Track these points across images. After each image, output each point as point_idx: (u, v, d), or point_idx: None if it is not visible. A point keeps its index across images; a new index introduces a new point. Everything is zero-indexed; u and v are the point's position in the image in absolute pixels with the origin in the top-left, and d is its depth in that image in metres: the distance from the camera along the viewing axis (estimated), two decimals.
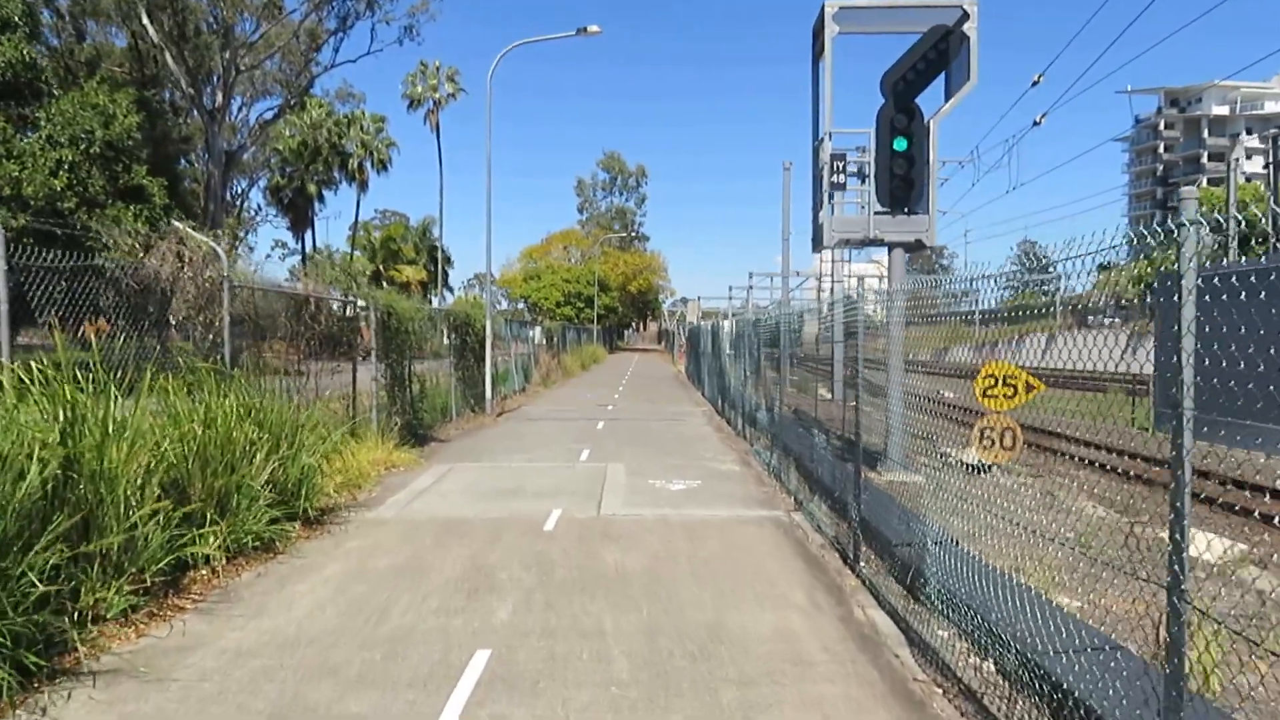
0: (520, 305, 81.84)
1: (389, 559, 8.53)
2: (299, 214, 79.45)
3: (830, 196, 15.54)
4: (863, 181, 15.84)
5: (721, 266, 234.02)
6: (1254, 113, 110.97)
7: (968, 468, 14.94)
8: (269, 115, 65.61)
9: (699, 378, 34.82)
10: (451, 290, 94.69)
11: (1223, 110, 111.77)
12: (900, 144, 15.02)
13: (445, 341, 21.13)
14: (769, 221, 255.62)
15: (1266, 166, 43.00)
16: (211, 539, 7.90)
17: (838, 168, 15.54)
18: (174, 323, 10.02)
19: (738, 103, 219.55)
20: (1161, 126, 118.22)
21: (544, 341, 42.12)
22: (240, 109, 65.70)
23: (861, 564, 8.18)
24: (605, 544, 9.12)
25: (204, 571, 7.70)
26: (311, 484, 9.90)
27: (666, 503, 11.42)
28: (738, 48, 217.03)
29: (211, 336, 10.23)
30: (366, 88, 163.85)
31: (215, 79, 57.41)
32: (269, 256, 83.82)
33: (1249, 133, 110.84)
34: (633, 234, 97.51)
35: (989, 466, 14.80)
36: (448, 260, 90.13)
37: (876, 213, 15.22)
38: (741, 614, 6.87)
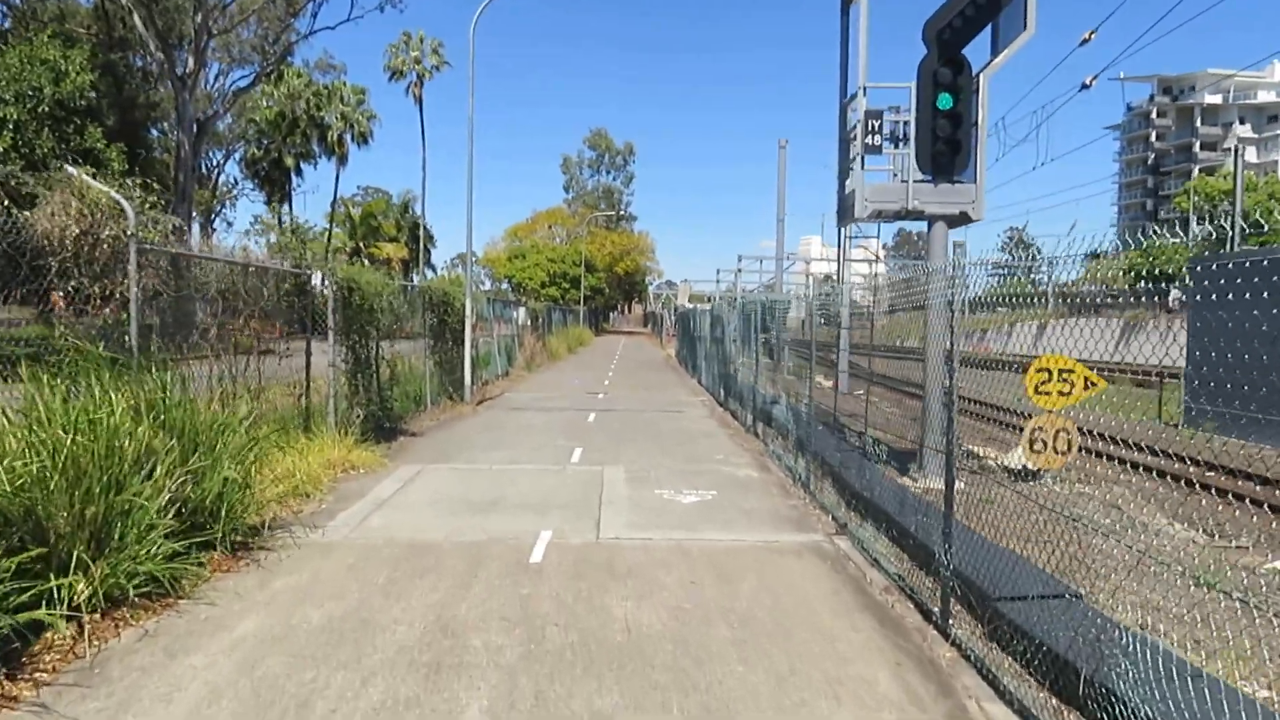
0: (505, 285, 79.48)
1: (326, 609, 6.45)
2: (276, 187, 76.83)
3: (863, 162, 13.48)
4: (896, 146, 13.80)
5: (709, 249, 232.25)
6: (1247, 102, 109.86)
7: (1011, 474, 12.83)
8: (244, 84, 63.14)
9: (693, 364, 32.79)
10: (434, 268, 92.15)
11: (1216, 99, 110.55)
12: (945, 101, 12.96)
13: (421, 321, 18.98)
14: (756, 206, 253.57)
15: None
16: (80, 588, 5.82)
17: (873, 128, 13.48)
18: (63, 294, 7.87)
19: (729, 86, 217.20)
20: (1154, 115, 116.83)
21: (528, 323, 39.94)
22: (216, 78, 63.16)
23: (954, 625, 6.16)
24: (611, 587, 7.07)
25: (66, 633, 5.61)
26: (235, 501, 7.80)
27: (679, 522, 9.38)
28: (732, 29, 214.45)
29: (109, 312, 8.07)
30: (347, 59, 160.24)
31: (187, 44, 54.85)
32: (248, 232, 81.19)
33: (1242, 122, 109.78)
34: (620, 213, 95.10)
35: (1037, 473, 12.68)
36: (430, 238, 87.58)
37: (916, 180, 13.20)
38: (814, 715, 4.84)
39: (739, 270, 66.54)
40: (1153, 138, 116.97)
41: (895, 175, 13.90)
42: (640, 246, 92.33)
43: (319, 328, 12.79)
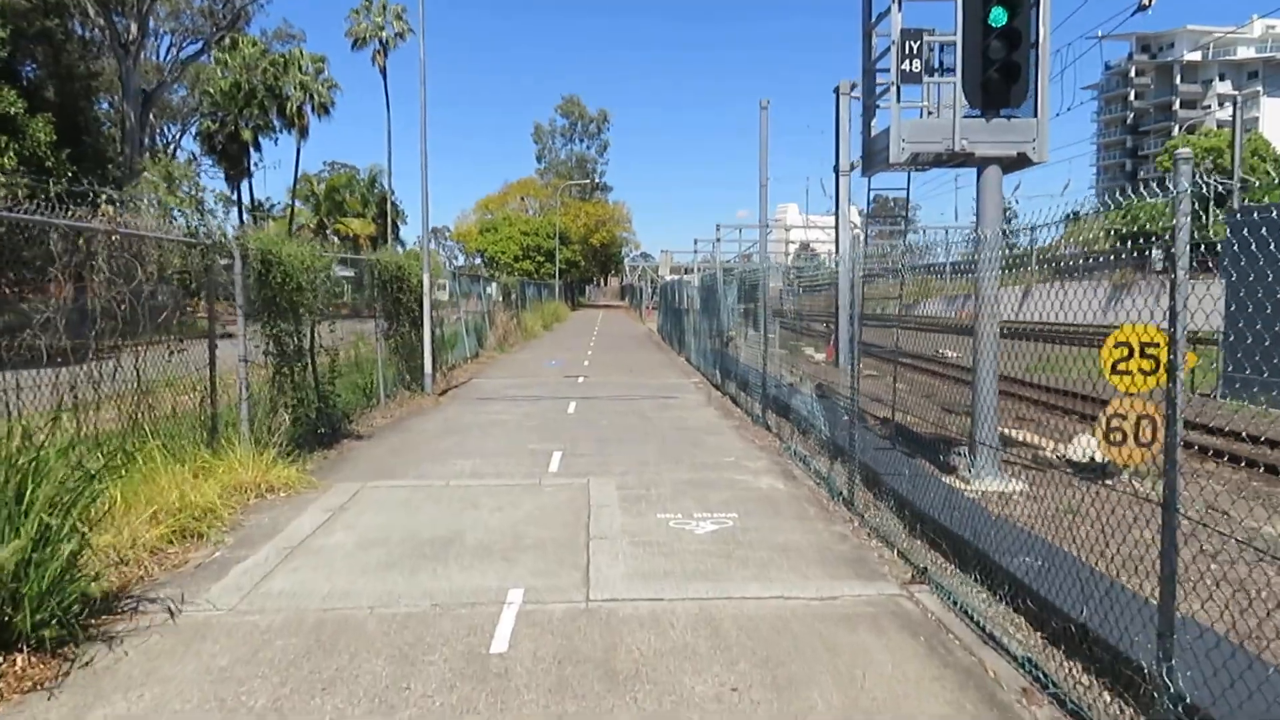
0: (477, 260, 76.50)
1: None
2: (234, 162, 73.24)
3: (899, 94, 10.97)
4: (930, 74, 11.24)
5: (685, 221, 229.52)
6: (1227, 58, 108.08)
7: (1075, 469, 10.35)
8: (194, 50, 60.15)
9: (679, 340, 30.32)
10: (404, 244, 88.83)
11: (1195, 57, 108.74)
12: (999, 16, 10.53)
13: (369, 300, 16.42)
14: (733, 177, 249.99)
15: None
16: None
17: (910, 50, 10.95)
18: None
19: (706, 52, 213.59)
20: (1133, 73, 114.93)
21: (500, 299, 37.28)
22: (169, 50, 60.05)
23: None
24: (614, 706, 4.61)
25: None
26: (55, 572, 5.29)
27: (697, 567, 6.92)
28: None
29: None
30: (307, 25, 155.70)
31: (130, 9, 51.67)
32: (213, 212, 77.13)
33: (1222, 78, 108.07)
34: (594, 183, 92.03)
35: (1106, 466, 10.25)
36: (399, 213, 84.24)
37: (963, 116, 10.75)
38: None
39: (718, 240, 64.17)
40: (1131, 97, 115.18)
41: (929, 114, 11.44)
42: (616, 217, 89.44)
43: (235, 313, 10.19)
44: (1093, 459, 11.89)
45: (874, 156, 11.97)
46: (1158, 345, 9.74)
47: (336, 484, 9.82)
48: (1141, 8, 13.98)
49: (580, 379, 21.61)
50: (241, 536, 7.81)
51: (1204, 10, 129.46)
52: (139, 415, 8.38)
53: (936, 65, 11.19)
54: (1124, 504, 8.35)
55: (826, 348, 26.50)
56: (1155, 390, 10.38)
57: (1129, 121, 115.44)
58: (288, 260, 10.78)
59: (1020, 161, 10.93)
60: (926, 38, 11.06)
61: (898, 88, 10.83)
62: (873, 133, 12.07)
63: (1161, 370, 9.63)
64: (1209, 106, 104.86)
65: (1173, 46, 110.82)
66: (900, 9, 10.80)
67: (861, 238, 13.80)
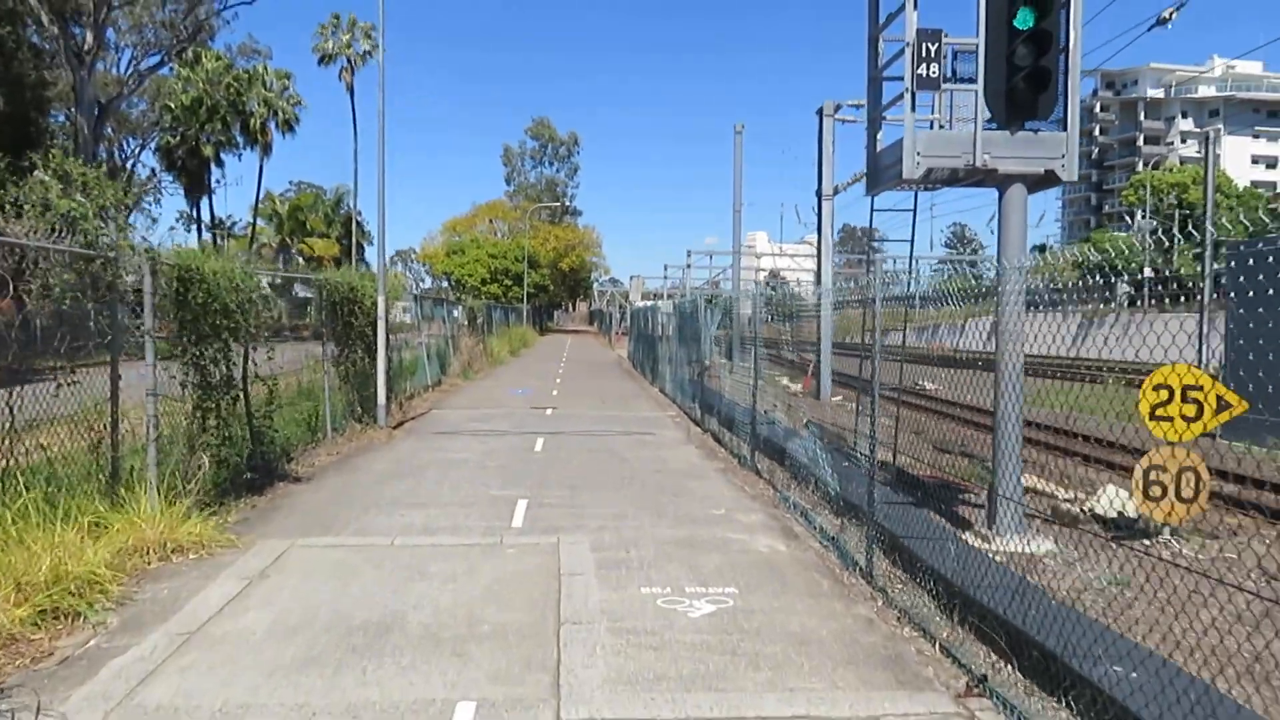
0: (444, 283, 74.88)
1: None
2: (194, 178, 71.18)
3: (914, 101, 9.73)
4: (941, 85, 10.02)
5: (654, 246, 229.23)
6: (1189, 96, 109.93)
7: (1104, 525, 9.19)
8: (155, 63, 58.48)
9: (652, 369, 28.97)
10: (368, 265, 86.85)
11: (1158, 94, 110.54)
12: (1026, 18, 9.43)
13: (316, 324, 14.94)
14: (702, 204, 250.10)
15: None
16: None
17: (928, 53, 9.74)
18: None
19: (677, 81, 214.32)
20: (1097, 109, 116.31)
21: (466, 323, 35.75)
22: (130, 62, 58.31)
23: None
24: None
25: None
26: None
27: (695, 669, 5.49)
28: (680, 26, 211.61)
29: None
30: (275, 40, 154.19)
31: (86, 18, 49.97)
32: (173, 229, 74.42)
33: (1184, 116, 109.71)
34: (564, 206, 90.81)
35: (1136, 522, 9.05)
36: (364, 234, 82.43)
37: (985, 128, 9.58)
38: None
39: (688, 266, 63.26)
40: (1096, 132, 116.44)
41: (941, 126, 10.23)
42: (586, 241, 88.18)
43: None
44: (1122, 513, 10.64)
45: (881, 173, 10.75)
46: (1201, 389, 8.47)
47: (260, 541, 8.30)
48: (1161, 21, 13.01)
49: (548, 410, 20.14)
50: (129, 616, 6.31)
51: (1166, 49, 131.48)
52: (10, 462, 6.87)
53: (950, 74, 10.01)
54: (1191, 578, 7.08)
55: (804, 378, 25.26)
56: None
57: (1093, 156, 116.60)
58: (212, 278, 9.30)
59: (1047, 180, 9.76)
60: (944, 41, 9.87)
61: (912, 94, 9.58)
62: (879, 147, 10.85)
63: (1208, 417, 8.37)
64: (1172, 143, 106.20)
65: (1136, 84, 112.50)
66: (916, 7, 9.61)
67: (880, 260, 12.54)
